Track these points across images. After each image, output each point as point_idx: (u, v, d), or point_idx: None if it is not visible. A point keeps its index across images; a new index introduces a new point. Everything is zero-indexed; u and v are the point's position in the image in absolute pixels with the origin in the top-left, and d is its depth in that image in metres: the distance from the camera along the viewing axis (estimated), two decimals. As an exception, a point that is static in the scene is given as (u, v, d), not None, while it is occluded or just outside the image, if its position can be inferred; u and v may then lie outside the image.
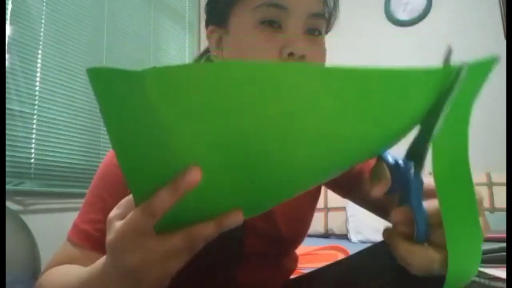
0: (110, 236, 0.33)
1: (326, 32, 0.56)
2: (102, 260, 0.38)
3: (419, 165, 0.32)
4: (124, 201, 0.35)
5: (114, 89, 0.26)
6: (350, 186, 0.66)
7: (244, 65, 0.25)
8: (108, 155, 0.61)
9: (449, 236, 0.31)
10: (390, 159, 0.33)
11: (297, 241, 0.68)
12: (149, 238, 0.32)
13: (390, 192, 0.33)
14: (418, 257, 0.32)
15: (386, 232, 0.35)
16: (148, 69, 0.24)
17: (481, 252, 0.33)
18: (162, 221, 0.31)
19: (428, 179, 0.33)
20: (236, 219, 0.33)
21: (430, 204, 0.32)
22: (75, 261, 0.52)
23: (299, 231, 0.67)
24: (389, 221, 0.35)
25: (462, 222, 0.31)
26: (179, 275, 0.37)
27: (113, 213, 0.35)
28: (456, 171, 0.33)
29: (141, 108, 0.26)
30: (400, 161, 0.32)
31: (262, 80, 0.25)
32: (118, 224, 0.33)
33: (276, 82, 0.25)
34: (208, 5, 0.58)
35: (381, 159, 0.33)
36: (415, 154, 0.33)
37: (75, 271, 0.44)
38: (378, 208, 0.64)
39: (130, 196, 0.33)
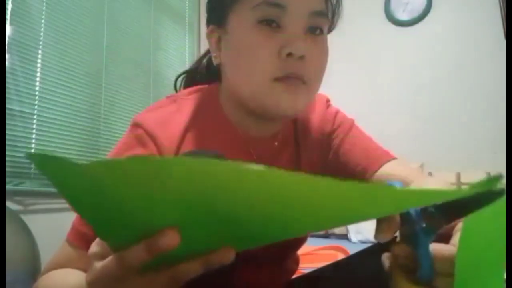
0: (89, 277, 0.33)
1: (330, 31, 0.55)
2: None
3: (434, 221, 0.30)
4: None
5: (62, 172, 0.25)
6: None
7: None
8: (108, 155, 0.61)
9: None
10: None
11: (298, 244, 0.67)
12: (131, 280, 0.31)
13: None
14: None
15: (386, 260, 0.33)
16: (84, 165, 0.23)
17: None
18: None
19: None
20: (226, 257, 0.31)
21: (440, 251, 0.29)
22: (72, 262, 0.51)
23: (299, 237, 0.66)
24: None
25: None
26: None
27: (93, 249, 0.34)
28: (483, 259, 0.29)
29: (93, 190, 0.25)
30: (413, 211, 0.31)
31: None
32: (97, 265, 0.32)
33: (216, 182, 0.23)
34: (208, 4, 0.58)
35: None
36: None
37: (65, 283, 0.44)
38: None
39: None
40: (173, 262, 0.31)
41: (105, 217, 0.28)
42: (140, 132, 0.52)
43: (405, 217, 0.31)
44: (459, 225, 0.31)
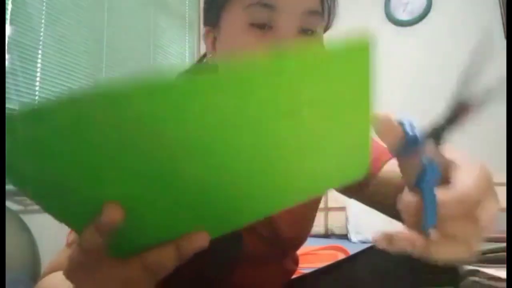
0: (66, 268, 0.32)
1: (326, 30, 0.55)
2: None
3: (437, 142, 0.29)
4: None
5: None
6: (358, 185, 0.65)
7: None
8: None
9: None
10: (408, 129, 0.29)
11: (298, 243, 0.67)
12: (103, 267, 0.29)
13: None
14: (419, 248, 0.28)
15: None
16: (18, 112, 0.21)
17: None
18: (117, 246, 0.29)
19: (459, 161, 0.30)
20: (199, 241, 0.29)
21: (444, 194, 0.27)
22: None
23: (300, 232, 0.66)
24: (400, 221, 0.30)
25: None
26: (176, 277, 0.36)
27: (71, 236, 0.33)
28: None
29: (27, 148, 0.23)
30: (418, 135, 0.29)
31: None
32: (72, 249, 0.31)
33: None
34: (204, 5, 0.58)
35: (401, 128, 0.30)
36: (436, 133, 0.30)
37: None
38: (388, 207, 0.62)
39: None
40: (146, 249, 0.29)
41: (56, 194, 0.26)
42: None
43: (411, 145, 0.30)
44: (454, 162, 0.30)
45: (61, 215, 0.28)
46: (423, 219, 0.28)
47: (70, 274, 0.31)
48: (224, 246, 0.53)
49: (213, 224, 0.30)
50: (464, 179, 0.27)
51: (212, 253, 0.53)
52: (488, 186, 0.28)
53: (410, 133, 0.30)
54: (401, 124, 0.30)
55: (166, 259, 0.29)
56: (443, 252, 0.28)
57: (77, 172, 0.25)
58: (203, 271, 0.55)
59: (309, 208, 0.67)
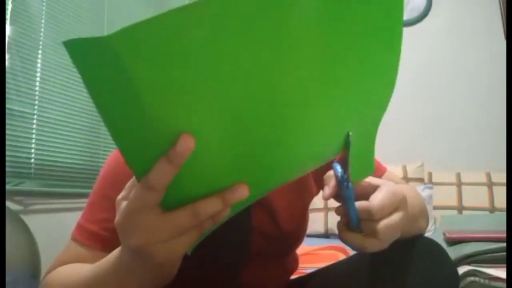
0: (117, 218, 0.33)
1: None
2: (118, 248, 0.39)
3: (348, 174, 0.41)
4: (130, 182, 0.35)
5: (91, 59, 0.25)
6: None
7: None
8: (111, 155, 0.61)
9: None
10: (338, 169, 0.42)
11: (298, 240, 0.69)
12: (154, 216, 0.31)
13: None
14: (354, 241, 0.42)
15: (337, 223, 0.44)
16: (115, 32, 0.22)
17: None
18: (168, 199, 0.31)
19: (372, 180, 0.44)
20: (241, 193, 0.32)
21: (360, 204, 0.41)
22: (85, 261, 0.51)
23: (300, 229, 0.68)
24: None
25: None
26: (185, 273, 0.37)
27: (120, 195, 0.34)
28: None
29: (119, 77, 0.25)
30: (339, 173, 0.42)
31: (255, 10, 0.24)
32: (124, 204, 0.33)
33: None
34: None
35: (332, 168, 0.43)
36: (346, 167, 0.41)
37: (89, 267, 0.44)
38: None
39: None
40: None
41: (132, 125, 0.28)
42: None
43: (338, 182, 0.42)
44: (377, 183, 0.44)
45: (131, 155, 0.30)
46: (350, 221, 0.42)
47: (121, 224, 0.32)
48: (233, 244, 0.55)
49: (253, 180, 0.33)
50: (377, 196, 0.41)
51: (221, 251, 0.53)
52: (392, 201, 0.41)
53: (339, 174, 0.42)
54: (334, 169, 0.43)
55: (214, 208, 0.32)
56: (369, 244, 0.41)
57: (161, 97, 0.25)
58: (211, 269, 0.55)
59: (307, 205, 0.69)
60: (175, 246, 0.32)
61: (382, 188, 0.42)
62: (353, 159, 0.40)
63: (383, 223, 0.40)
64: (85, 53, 0.25)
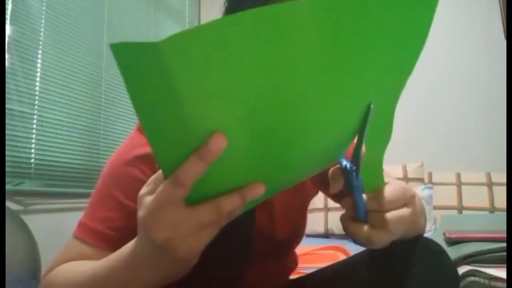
0: (141, 212, 0.33)
1: None
2: (131, 243, 0.39)
3: (358, 167, 0.41)
4: (153, 177, 0.35)
5: (135, 62, 0.27)
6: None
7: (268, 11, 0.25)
8: (114, 154, 0.61)
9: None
10: (344, 162, 0.41)
11: (297, 240, 0.69)
12: (180, 210, 0.32)
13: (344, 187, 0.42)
14: (360, 233, 0.40)
15: (341, 216, 0.43)
16: (164, 39, 0.25)
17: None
18: (191, 194, 0.32)
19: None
20: (258, 191, 0.34)
21: (370, 195, 0.41)
22: (88, 258, 0.51)
23: (299, 229, 0.68)
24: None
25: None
26: (192, 276, 0.37)
27: (144, 190, 0.35)
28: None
29: (161, 79, 0.26)
30: (348, 165, 0.41)
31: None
32: (149, 199, 0.33)
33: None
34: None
35: (338, 162, 0.42)
36: (356, 160, 0.41)
37: (95, 262, 0.44)
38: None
39: (159, 172, 0.34)
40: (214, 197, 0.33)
41: (166, 124, 0.29)
42: None
43: (345, 173, 0.41)
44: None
45: (162, 152, 0.31)
46: (357, 213, 0.41)
47: (146, 219, 0.33)
48: (235, 244, 0.55)
49: (268, 179, 0.35)
50: (388, 188, 0.41)
51: (223, 250, 0.53)
52: (402, 195, 0.41)
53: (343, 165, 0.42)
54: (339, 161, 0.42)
55: (234, 205, 0.33)
56: (376, 236, 0.39)
57: (197, 97, 0.27)
58: (214, 268, 0.55)
59: (306, 205, 0.70)
60: (197, 240, 0.33)
61: (392, 182, 0.42)
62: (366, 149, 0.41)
63: (392, 214, 0.39)
64: (131, 56, 0.27)
